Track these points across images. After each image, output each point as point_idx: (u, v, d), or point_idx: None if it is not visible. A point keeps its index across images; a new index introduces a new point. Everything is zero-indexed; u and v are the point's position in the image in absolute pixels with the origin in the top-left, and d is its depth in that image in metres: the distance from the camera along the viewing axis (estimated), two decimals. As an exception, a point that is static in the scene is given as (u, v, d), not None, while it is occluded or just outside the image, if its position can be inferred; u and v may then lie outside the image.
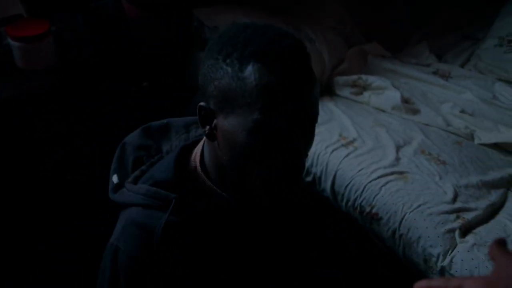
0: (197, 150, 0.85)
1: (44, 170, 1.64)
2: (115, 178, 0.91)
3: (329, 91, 1.91)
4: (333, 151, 1.57)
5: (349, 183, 1.51)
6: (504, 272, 0.54)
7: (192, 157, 0.86)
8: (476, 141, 1.71)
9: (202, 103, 0.75)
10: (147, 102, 1.83)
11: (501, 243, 0.59)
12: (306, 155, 0.76)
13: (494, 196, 1.49)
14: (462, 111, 1.80)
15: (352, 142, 1.62)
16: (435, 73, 2.02)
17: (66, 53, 1.68)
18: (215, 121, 0.74)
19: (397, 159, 1.56)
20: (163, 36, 1.86)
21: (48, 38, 1.61)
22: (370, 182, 1.48)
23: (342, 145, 1.60)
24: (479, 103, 1.85)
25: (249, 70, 0.68)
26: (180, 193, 0.82)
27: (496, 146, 1.69)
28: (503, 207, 1.48)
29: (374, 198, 1.45)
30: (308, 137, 0.75)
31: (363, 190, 1.48)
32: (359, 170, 1.51)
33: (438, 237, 1.33)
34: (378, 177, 1.49)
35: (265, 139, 0.70)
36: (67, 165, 1.70)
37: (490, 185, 1.52)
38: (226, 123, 0.72)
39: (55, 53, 1.65)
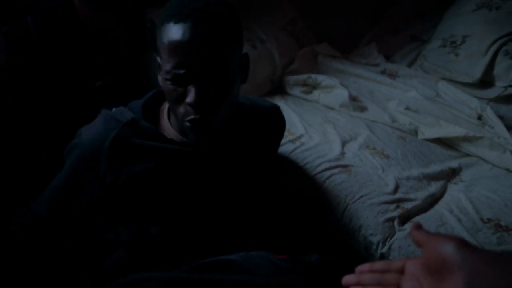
0: None
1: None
2: None
3: (280, 90, 1.96)
4: (280, 146, 1.62)
5: (296, 176, 1.55)
6: (434, 253, 0.59)
7: (164, 103, 1.07)
8: (420, 136, 1.79)
9: (158, 57, 0.96)
10: (101, 102, 1.84)
11: (419, 227, 0.64)
12: (204, 107, 0.91)
13: (434, 187, 1.56)
14: (407, 108, 1.88)
15: (299, 137, 1.67)
16: (383, 72, 2.10)
17: (16, 53, 1.68)
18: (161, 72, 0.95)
19: (342, 153, 1.62)
20: (116, 37, 1.87)
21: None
22: (315, 175, 1.53)
23: (290, 141, 1.65)
24: (423, 101, 1.93)
25: (162, 30, 0.90)
26: (140, 118, 1.01)
27: (438, 141, 1.77)
28: (442, 198, 1.54)
29: (319, 190, 1.50)
30: (200, 87, 0.89)
31: (308, 183, 1.53)
32: (305, 164, 1.56)
33: (378, 225, 1.38)
34: (323, 170, 1.54)
35: (172, 83, 0.90)
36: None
37: (431, 177, 1.60)
38: (161, 72, 0.93)
39: (6, 54, 1.65)
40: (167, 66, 0.89)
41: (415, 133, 1.81)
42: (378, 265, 0.66)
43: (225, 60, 0.90)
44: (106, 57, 1.89)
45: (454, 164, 1.67)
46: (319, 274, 1.03)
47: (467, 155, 1.74)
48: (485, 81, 1.95)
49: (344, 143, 1.67)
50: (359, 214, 1.42)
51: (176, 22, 0.87)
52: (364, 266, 0.67)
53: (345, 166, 1.56)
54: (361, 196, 1.46)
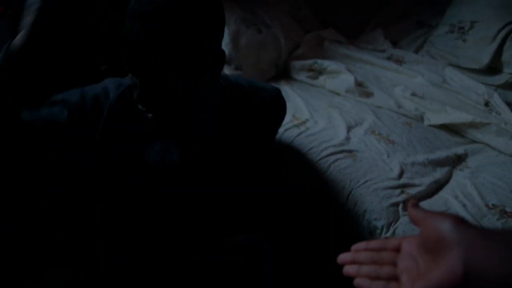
0: None
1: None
2: None
3: (286, 75, 1.95)
4: (285, 131, 1.61)
5: (300, 161, 1.55)
6: (431, 231, 0.58)
7: None
8: (426, 122, 1.78)
9: None
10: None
11: (416, 205, 0.64)
12: (151, 103, 0.91)
13: (439, 173, 1.56)
14: (413, 94, 1.87)
15: (304, 122, 1.66)
16: (389, 58, 2.09)
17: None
18: None
19: (347, 138, 1.62)
20: (121, 19, 1.86)
21: (3, 21, 1.61)
22: (319, 160, 1.53)
23: (295, 125, 1.64)
24: (430, 87, 1.91)
25: None
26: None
27: (444, 127, 1.76)
28: (447, 184, 1.54)
29: (323, 175, 1.50)
30: (143, 83, 0.88)
31: (313, 168, 1.52)
32: (310, 149, 1.56)
33: (383, 210, 1.38)
34: (328, 155, 1.53)
35: None
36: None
37: (436, 163, 1.59)
38: None
39: (10, 37, 1.65)
40: None
41: (421, 119, 1.80)
42: (374, 243, 0.66)
43: (170, 60, 0.85)
44: (110, 40, 1.88)
45: (460, 150, 1.66)
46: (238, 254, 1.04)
47: (473, 141, 1.73)
48: (493, 67, 1.94)
49: (349, 128, 1.67)
50: (363, 199, 1.41)
51: (127, 19, 0.85)
52: (360, 245, 0.67)
53: (350, 151, 1.56)
54: (366, 181, 1.45)
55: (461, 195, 1.46)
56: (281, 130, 1.61)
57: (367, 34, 2.27)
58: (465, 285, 0.53)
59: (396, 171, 1.50)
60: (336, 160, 1.52)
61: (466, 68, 1.99)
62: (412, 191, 1.45)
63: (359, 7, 2.35)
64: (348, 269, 0.65)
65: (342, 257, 0.67)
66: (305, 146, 1.57)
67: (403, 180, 1.48)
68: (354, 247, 0.67)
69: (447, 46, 2.08)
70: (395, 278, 0.62)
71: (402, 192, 1.44)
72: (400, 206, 1.39)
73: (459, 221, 0.56)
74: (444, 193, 1.48)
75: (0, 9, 1.58)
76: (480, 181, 1.52)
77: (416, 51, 2.18)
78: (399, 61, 2.07)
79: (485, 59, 1.93)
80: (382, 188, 1.43)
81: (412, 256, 0.61)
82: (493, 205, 1.41)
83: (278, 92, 1.23)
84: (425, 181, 1.50)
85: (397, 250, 0.64)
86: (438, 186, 1.51)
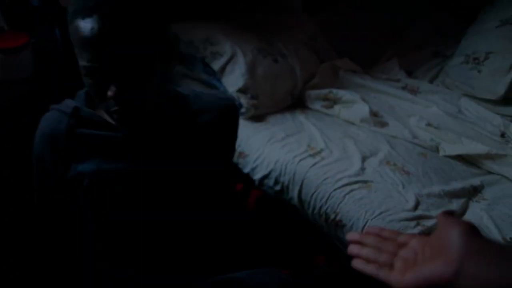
0: None
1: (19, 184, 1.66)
2: None
3: (301, 104, 1.97)
4: (300, 160, 1.63)
5: (315, 191, 1.56)
6: (441, 233, 0.60)
7: None
8: (441, 153, 1.78)
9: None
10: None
11: (449, 212, 0.65)
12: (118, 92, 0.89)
13: (455, 205, 1.55)
14: (428, 124, 1.87)
15: (319, 152, 1.67)
16: (404, 88, 2.10)
17: (43, 64, 1.73)
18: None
19: (362, 169, 1.62)
20: (139, 50, 1.91)
21: (27, 50, 1.66)
22: (335, 190, 1.53)
23: (310, 155, 1.65)
24: (445, 117, 1.92)
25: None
26: (83, 105, 1.02)
27: (460, 157, 1.76)
28: (463, 216, 1.53)
29: (338, 205, 1.50)
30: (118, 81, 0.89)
31: (328, 198, 1.53)
32: (325, 179, 1.57)
33: (398, 243, 1.38)
34: (343, 186, 1.54)
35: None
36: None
37: (452, 195, 1.58)
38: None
39: (33, 64, 1.70)
40: (82, 62, 0.87)
41: (436, 149, 1.79)
42: (387, 232, 0.68)
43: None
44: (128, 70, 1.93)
45: (475, 181, 1.65)
46: (326, 285, 1.03)
47: (490, 172, 1.72)
48: (509, 98, 1.93)
49: (364, 159, 1.67)
50: (379, 231, 1.41)
51: (83, 18, 0.84)
52: (374, 228, 0.68)
53: (365, 182, 1.56)
54: (381, 213, 1.45)
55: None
56: (296, 159, 1.63)
57: (382, 64, 2.29)
58: (455, 284, 0.55)
59: (411, 203, 1.50)
60: (351, 190, 1.52)
61: (481, 99, 1.99)
62: (428, 223, 1.44)
63: (374, 37, 2.38)
64: (352, 248, 0.67)
65: (351, 235, 0.68)
66: (320, 176, 1.58)
67: (418, 212, 1.48)
68: (368, 229, 0.68)
69: (462, 77, 2.08)
70: (391, 265, 0.63)
71: (418, 224, 1.43)
72: (416, 238, 1.39)
73: (469, 228, 0.59)
74: (460, 226, 1.47)
75: (24, 38, 1.64)
76: (496, 214, 1.51)
77: (431, 81, 2.19)
78: (414, 91, 2.08)
79: (500, 90, 1.94)
80: (397, 219, 1.43)
81: (415, 251, 0.63)
82: (510, 238, 1.40)
83: (231, 107, 1.17)
84: (440, 213, 1.49)
85: (404, 245, 0.65)
86: (454, 218, 1.50)
